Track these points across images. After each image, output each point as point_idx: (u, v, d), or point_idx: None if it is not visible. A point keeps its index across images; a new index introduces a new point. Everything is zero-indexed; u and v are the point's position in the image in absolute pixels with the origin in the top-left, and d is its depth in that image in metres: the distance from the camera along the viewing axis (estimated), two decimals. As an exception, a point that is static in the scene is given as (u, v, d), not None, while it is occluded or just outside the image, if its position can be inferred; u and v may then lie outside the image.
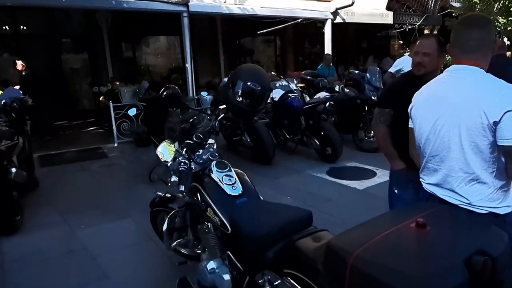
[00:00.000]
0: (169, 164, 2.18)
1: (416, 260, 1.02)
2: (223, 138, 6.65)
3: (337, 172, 5.25)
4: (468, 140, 1.50)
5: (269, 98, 6.04)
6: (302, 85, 7.89)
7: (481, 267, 0.99)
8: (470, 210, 1.55)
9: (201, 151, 2.29)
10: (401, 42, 11.67)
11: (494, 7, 9.43)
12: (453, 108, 1.54)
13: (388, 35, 14.56)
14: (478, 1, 8.96)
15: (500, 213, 1.55)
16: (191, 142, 2.22)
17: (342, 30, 11.93)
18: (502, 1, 8.86)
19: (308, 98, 6.88)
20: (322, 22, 9.22)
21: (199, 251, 2.33)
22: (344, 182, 4.90)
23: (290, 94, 5.97)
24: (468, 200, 1.55)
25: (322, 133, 5.61)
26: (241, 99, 2.18)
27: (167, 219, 2.35)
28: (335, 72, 8.54)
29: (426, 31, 11.67)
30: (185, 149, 2.17)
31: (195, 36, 11.97)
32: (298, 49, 14.65)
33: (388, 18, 10.03)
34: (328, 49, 9.24)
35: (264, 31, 10.78)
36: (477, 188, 1.54)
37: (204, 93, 7.00)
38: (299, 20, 9.40)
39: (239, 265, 1.85)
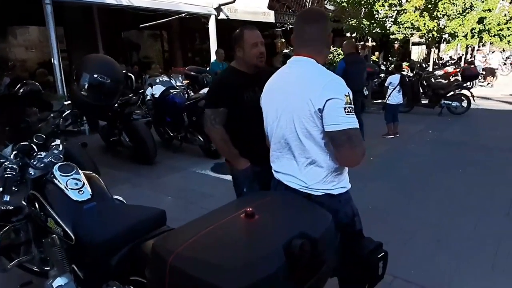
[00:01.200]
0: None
1: (235, 251, 0.99)
2: (101, 139, 6.13)
3: (221, 168, 5.25)
4: (301, 127, 1.57)
5: (150, 95, 5.77)
6: (187, 81, 7.74)
7: (299, 250, 1.01)
8: (308, 193, 1.63)
9: (43, 153, 1.99)
10: (283, 40, 12.34)
11: (361, 12, 10.58)
12: (288, 97, 1.60)
13: (274, 34, 15.27)
14: (346, 5, 9.90)
15: (335, 194, 1.65)
16: (26, 143, 1.91)
17: (228, 27, 12.08)
18: (365, 6, 9.96)
19: (193, 94, 6.76)
20: (206, 17, 9.17)
21: (48, 268, 2.05)
22: (227, 177, 4.83)
23: (171, 90, 5.77)
24: (306, 183, 1.63)
25: (206, 129, 5.54)
26: (88, 93, 1.96)
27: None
28: None
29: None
30: (14, 152, 1.85)
31: (70, 28, 10.84)
32: (186, 45, 14.39)
33: (270, 17, 10.48)
34: (213, 45, 9.25)
35: (147, 24, 10.31)
36: (314, 171, 1.62)
37: (76, 90, 6.31)
38: (183, 15, 9.20)
39: (83, 278, 1.65)
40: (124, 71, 8.58)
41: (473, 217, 3.53)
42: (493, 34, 16.91)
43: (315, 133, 1.56)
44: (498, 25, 15.82)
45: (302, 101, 1.53)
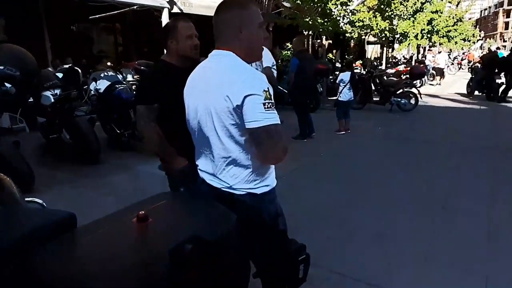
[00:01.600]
0: None
1: (114, 259, 0.90)
2: (42, 137, 5.77)
3: (170, 166, 5.10)
4: (220, 125, 1.50)
5: (94, 90, 5.50)
6: (137, 76, 7.47)
7: (187, 255, 0.94)
8: (231, 193, 1.57)
9: None
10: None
11: (317, 10, 10.68)
12: (207, 94, 1.53)
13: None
14: (300, 3, 9.96)
15: (258, 193, 1.60)
16: None
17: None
18: (319, 4, 10.08)
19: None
20: (159, 10, 8.89)
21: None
22: (175, 175, 4.78)
23: (117, 85, 5.52)
24: (228, 183, 1.57)
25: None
26: (-5, 86, 1.78)
27: None
28: None
29: (262, 27, 12.54)
30: None
31: (12, 18, 10.14)
32: (142, 39, 13.94)
33: (226, 12, 10.30)
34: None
35: (97, 16, 9.87)
36: (235, 171, 1.56)
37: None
38: (135, 7, 8.88)
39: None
40: (70, 65, 8.18)
41: (412, 210, 3.65)
42: (441, 35, 17.87)
43: (235, 131, 1.50)
44: (446, 26, 16.71)
45: (220, 98, 1.46)
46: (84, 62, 9.79)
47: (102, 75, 5.63)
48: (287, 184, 4.50)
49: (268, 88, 1.47)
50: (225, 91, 1.44)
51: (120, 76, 5.94)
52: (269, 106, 1.43)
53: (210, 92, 1.51)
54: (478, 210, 3.62)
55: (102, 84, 5.50)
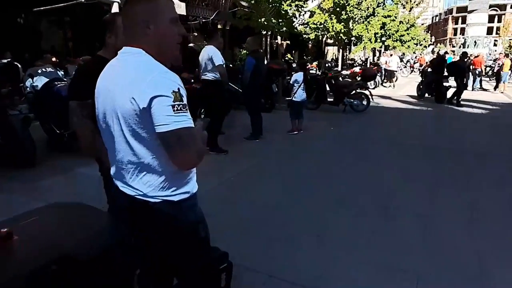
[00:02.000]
0: None
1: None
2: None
3: (113, 167, 4.85)
4: (128, 129, 1.37)
5: (30, 87, 5.13)
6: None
7: (51, 278, 0.81)
8: (145, 200, 1.45)
9: None
10: (196, 34, 11.99)
11: (272, 10, 10.70)
12: (113, 95, 1.39)
13: (188, 27, 14.86)
14: (254, 2, 9.93)
15: (175, 200, 1.49)
16: None
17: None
18: (274, 5, 10.10)
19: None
20: (108, 5, 8.51)
21: None
22: (117, 177, 4.55)
23: (56, 82, 5.18)
24: (141, 191, 1.45)
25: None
26: None
27: None
28: None
29: (219, 26, 12.41)
30: None
31: None
32: (93, 34, 13.31)
33: (181, 9, 10.08)
34: (118, 35, 8.60)
35: (42, 8, 9.29)
36: (148, 178, 1.44)
37: None
38: (82, 0, 8.44)
39: None
40: (9, 60, 7.62)
41: (355, 211, 3.67)
42: (395, 39, 18.60)
43: (145, 135, 1.37)
44: (398, 31, 17.41)
45: (125, 100, 1.32)
46: (27, 56, 9.17)
47: (39, 71, 5.25)
48: (234, 186, 4.42)
49: (179, 88, 1.35)
50: (131, 92, 1.31)
51: (61, 73, 5.57)
52: (179, 108, 1.32)
53: (116, 94, 1.37)
54: (417, 211, 3.72)
55: (40, 81, 5.14)
